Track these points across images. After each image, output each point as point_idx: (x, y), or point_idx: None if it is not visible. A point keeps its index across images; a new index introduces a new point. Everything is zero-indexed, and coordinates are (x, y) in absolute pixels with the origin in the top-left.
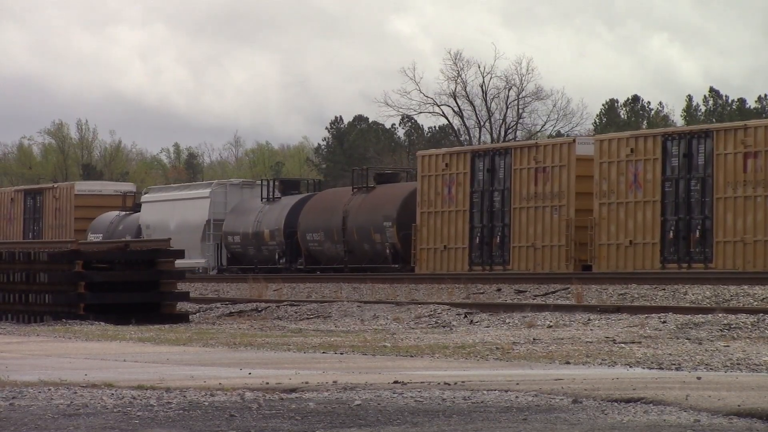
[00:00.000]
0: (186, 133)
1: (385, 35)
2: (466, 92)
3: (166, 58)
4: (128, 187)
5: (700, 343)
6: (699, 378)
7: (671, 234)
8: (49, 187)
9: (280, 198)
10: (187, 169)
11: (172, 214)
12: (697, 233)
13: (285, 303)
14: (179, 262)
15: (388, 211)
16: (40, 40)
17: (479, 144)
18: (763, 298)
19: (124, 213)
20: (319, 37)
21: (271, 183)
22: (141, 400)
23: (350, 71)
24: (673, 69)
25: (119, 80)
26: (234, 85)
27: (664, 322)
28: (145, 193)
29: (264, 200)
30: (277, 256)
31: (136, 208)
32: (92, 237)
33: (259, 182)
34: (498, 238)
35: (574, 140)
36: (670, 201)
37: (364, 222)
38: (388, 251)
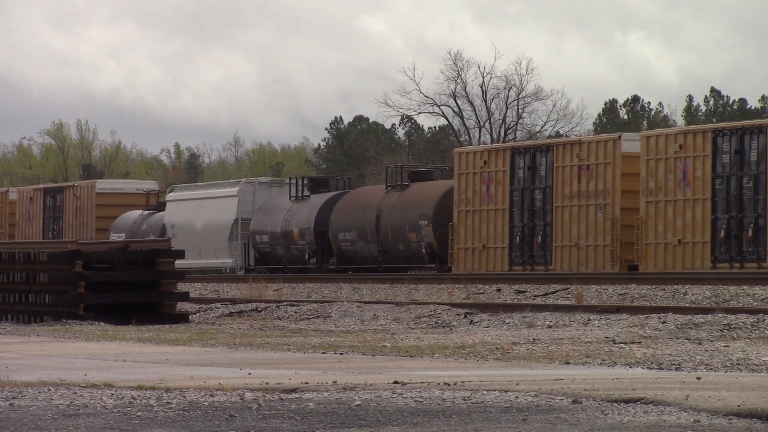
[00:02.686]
0: (163, 133)
1: (355, 33)
2: (466, 92)
3: (138, 57)
4: (151, 185)
5: (700, 344)
6: (699, 378)
7: (722, 233)
8: (69, 186)
9: (309, 196)
10: (188, 169)
11: (199, 213)
12: (750, 232)
13: (285, 303)
14: (208, 263)
15: (424, 209)
16: (9, 39)
17: (518, 141)
18: (763, 298)
19: (147, 212)
20: (290, 35)
21: (300, 181)
22: (141, 400)
23: (325, 69)
24: (650, 67)
25: (94, 79)
26: (210, 84)
27: (664, 322)
28: (169, 192)
29: (293, 198)
30: (307, 256)
31: (160, 207)
32: (114, 236)
33: (287, 180)
34: (539, 238)
35: (619, 137)
36: (720, 199)
37: (398, 221)
38: (424, 251)
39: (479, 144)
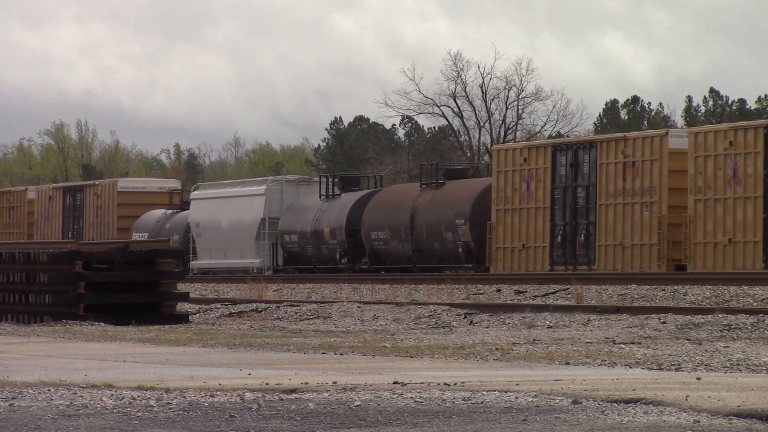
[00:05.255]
0: (143, 132)
1: (328, 31)
2: (466, 93)
3: (112, 57)
4: (174, 183)
5: (700, 344)
6: (699, 378)
7: None
8: (90, 184)
9: (339, 195)
10: (188, 169)
11: (224, 212)
12: None
13: (285, 303)
14: (235, 263)
15: (461, 208)
16: None
17: (548, 140)
18: (763, 299)
19: (171, 211)
20: (261, 33)
21: (330, 179)
22: (141, 400)
23: (300, 68)
24: (626, 67)
25: (66, 79)
26: (188, 84)
27: (664, 322)
28: (194, 190)
29: (323, 197)
30: (338, 256)
31: (184, 205)
32: (137, 236)
33: (316, 179)
34: (582, 237)
35: (666, 133)
36: None
37: (434, 219)
38: (460, 250)
39: (479, 144)
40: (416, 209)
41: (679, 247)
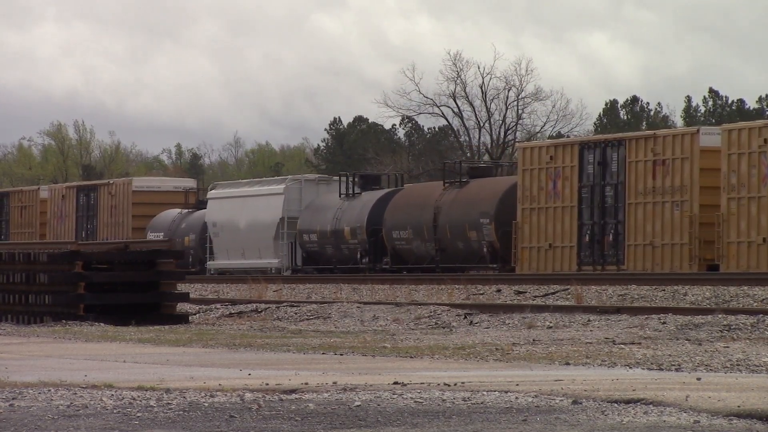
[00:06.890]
0: (129, 130)
1: (311, 31)
2: (466, 93)
3: (96, 57)
4: (189, 183)
5: (700, 344)
6: (699, 379)
7: None
8: (104, 184)
9: (360, 194)
10: (189, 169)
11: (242, 211)
12: None
13: (285, 304)
14: (253, 263)
15: (486, 207)
16: None
17: (586, 135)
18: (763, 299)
19: (186, 210)
20: (245, 33)
21: (350, 178)
22: (141, 400)
23: (286, 68)
24: (612, 67)
25: (51, 80)
26: (175, 84)
27: (664, 323)
28: (211, 189)
29: (342, 196)
30: (358, 256)
31: (200, 205)
32: (152, 236)
33: (335, 178)
34: (611, 236)
35: (697, 130)
36: None
37: (458, 219)
38: (485, 250)
39: (479, 144)
40: (439, 208)
41: (711, 247)
